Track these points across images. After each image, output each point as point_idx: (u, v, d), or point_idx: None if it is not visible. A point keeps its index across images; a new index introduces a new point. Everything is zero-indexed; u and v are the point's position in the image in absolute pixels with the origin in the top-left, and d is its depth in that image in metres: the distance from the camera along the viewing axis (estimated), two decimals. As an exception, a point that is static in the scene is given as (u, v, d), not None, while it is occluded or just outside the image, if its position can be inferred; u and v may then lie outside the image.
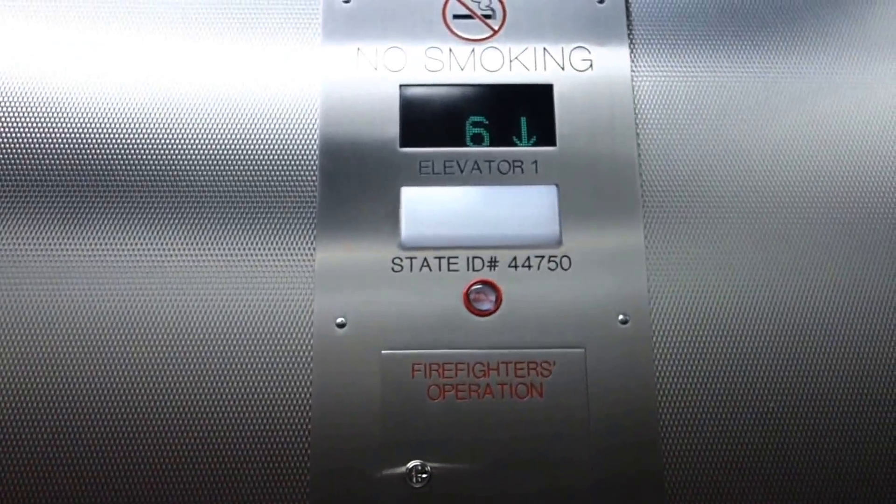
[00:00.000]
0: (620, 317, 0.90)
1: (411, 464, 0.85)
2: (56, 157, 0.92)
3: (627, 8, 1.00)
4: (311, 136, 0.94)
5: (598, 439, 0.86)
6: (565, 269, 0.91)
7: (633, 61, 0.99)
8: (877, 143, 0.97)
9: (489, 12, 0.99)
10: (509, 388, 0.88)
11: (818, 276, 0.93)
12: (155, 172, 0.92)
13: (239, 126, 0.94)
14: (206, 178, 0.92)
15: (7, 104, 0.94)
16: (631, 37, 1.00)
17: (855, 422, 0.89)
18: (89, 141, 0.93)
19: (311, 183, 0.93)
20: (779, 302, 0.92)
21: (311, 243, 0.91)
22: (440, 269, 0.91)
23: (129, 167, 0.92)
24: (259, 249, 0.91)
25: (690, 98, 0.98)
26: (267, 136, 0.94)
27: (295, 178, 0.93)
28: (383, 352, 0.88)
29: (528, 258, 0.91)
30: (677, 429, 0.88)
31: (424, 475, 0.85)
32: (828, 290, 0.92)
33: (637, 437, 0.87)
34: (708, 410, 0.89)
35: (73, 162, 0.92)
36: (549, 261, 0.91)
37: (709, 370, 0.90)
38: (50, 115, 0.93)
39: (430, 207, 0.93)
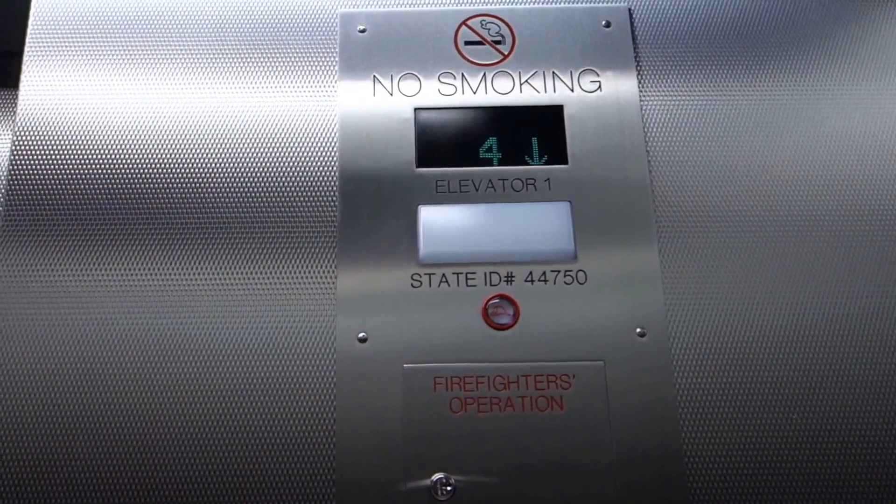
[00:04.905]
0: (638, 330, 0.91)
1: (435, 477, 0.85)
2: (90, 185, 0.96)
3: (633, 31, 1.04)
4: (331, 160, 0.97)
5: (620, 451, 0.86)
6: (581, 284, 0.93)
7: (640, 82, 1.02)
8: (883, 156, 0.99)
9: (499, 38, 1.03)
10: (530, 400, 0.88)
11: (831, 287, 0.93)
12: (184, 201, 0.95)
13: (262, 153, 0.98)
14: (232, 205, 0.95)
15: (42, 138, 0.98)
16: (637, 59, 1.03)
17: (877, 431, 0.89)
18: (121, 170, 0.96)
19: (332, 203, 0.96)
20: (794, 313, 0.92)
21: (333, 261, 0.93)
22: (458, 285, 0.92)
23: (159, 195, 0.95)
24: (283, 268, 0.93)
25: (698, 117, 1.01)
26: (289, 162, 0.97)
27: (316, 199, 0.96)
28: (405, 365, 0.89)
29: (545, 273, 0.93)
30: (699, 438, 0.88)
31: (449, 488, 0.85)
32: (841, 301, 0.93)
33: (659, 447, 0.87)
34: (729, 420, 0.89)
35: (106, 190, 0.95)
36: (565, 275, 0.93)
37: (728, 380, 0.90)
38: (85, 145, 0.97)
39: (447, 225, 0.95)
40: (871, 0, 1.06)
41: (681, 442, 0.87)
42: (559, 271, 0.93)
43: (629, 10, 1.05)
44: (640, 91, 1.01)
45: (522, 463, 0.86)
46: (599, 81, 1.01)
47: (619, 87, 1.01)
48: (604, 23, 1.04)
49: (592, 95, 1.01)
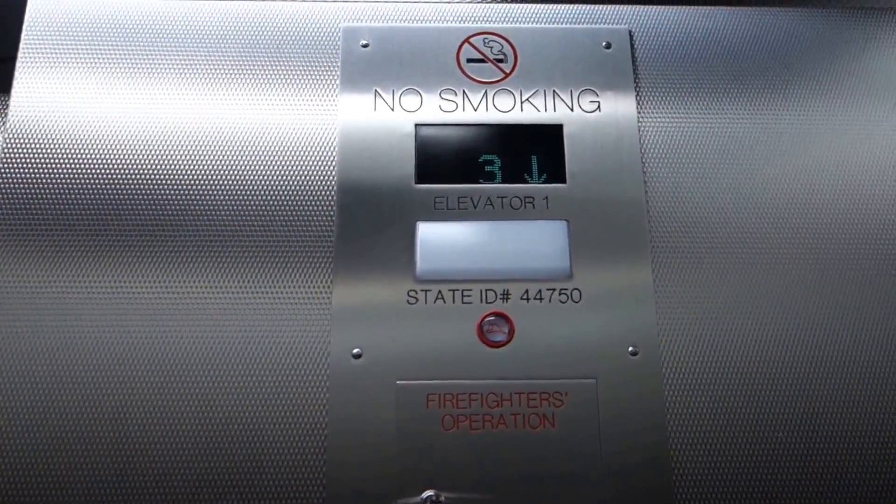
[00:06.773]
0: (630, 348, 0.92)
1: (426, 494, 0.85)
2: (81, 195, 0.95)
3: (633, 53, 1.05)
4: (329, 174, 0.97)
5: (611, 468, 0.87)
6: (576, 302, 0.93)
7: (638, 103, 1.03)
8: (875, 180, 1.01)
9: (501, 57, 1.04)
10: (522, 418, 0.89)
11: (822, 308, 0.94)
12: (178, 212, 0.95)
13: (260, 165, 0.97)
14: (228, 216, 0.95)
15: (33, 145, 0.97)
16: (637, 80, 1.04)
17: (866, 451, 0.89)
18: (114, 181, 0.96)
19: (329, 217, 0.96)
20: (785, 333, 0.93)
21: (329, 276, 0.93)
22: (454, 302, 0.93)
23: (153, 206, 0.95)
24: (278, 282, 0.93)
25: (695, 139, 1.01)
26: (287, 174, 0.97)
27: (314, 212, 0.96)
28: (398, 382, 0.89)
29: (540, 291, 0.93)
30: (688, 457, 0.89)
31: (439, 505, 0.85)
32: (833, 321, 0.94)
33: (649, 465, 0.87)
34: (718, 439, 0.89)
35: (98, 200, 0.95)
36: (561, 294, 0.93)
37: (718, 399, 0.91)
38: (78, 154, 0.97)
39: (445, 242, 0.95)
40: (865, 29, 1.08)
41: (670, 460, 0.88)
42: (555, 289, 0.94)
43: (629, 32, 1.06)
44: (639, 112, 1.02)
45: (514, 480, 0.86)
46: (599, 102, 1.02)
47: (618, 107, 1.02)
48: (604, 44, 1.04)
49: (592, 115, 1.01)
